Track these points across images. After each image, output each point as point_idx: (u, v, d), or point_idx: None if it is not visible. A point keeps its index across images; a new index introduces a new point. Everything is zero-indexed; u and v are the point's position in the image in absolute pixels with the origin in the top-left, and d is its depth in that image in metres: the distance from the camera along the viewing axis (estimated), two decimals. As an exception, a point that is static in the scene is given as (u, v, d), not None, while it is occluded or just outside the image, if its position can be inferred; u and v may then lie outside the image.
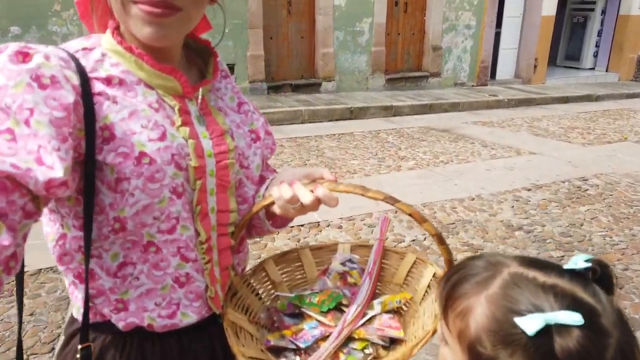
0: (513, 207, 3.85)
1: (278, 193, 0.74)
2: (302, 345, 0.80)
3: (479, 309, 0.55)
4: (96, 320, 0.76)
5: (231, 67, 7.49)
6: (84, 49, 0.71)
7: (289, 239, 3.17)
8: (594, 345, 0.49)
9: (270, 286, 0.94)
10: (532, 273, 0.55)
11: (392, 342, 0.81)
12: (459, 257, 3.00)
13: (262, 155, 0.86)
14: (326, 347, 0.79)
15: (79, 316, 0.78)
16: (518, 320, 0.50)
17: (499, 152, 5.46)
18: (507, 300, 0.53)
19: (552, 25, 10.25)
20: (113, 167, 0.66)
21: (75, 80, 0.65)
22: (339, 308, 0.89)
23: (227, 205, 0.78)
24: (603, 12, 11.48)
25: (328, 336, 0.82)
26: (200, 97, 0.76)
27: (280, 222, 0.87)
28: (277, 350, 0.80)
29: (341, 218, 3.50)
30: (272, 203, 0.75)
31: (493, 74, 10.18)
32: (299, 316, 0.88)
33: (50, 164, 0.59)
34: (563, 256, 3.04)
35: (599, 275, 0.55)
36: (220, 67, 0.84)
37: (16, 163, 0.57)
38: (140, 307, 0.75)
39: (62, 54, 0.66)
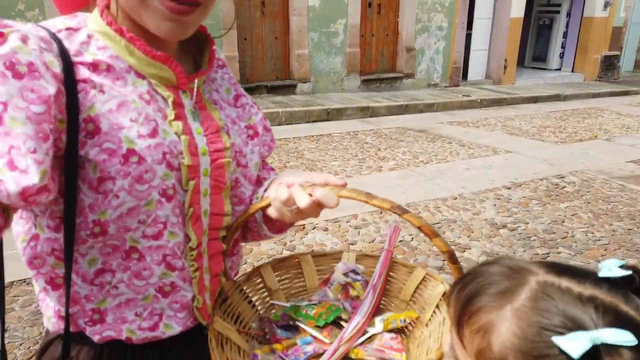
0: (495, 205, 3.88)
1: (274, 194, 0.68)
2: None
3: (504, 326, 0.47)
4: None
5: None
6: (67, 28, 0.63)
7: (275, 242, 3.08)
8: None
9: (265, 293, 0.87)
10: (564, 282, 0.47)
11: None
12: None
13: (260, 152, 0.79)
14: None
15: (50, 326, 0.71)
16: (558, 339, 0.43)
17: (476, 152, 5.52)
18: (540, 315, 0.45)
19: (521, 27, 10.50)
20: (96, 164, 0.59)
21: (57, 66, 0.56)
22: (337, 323, 0.83)
23: (221, 208, 0.72)
24: (568, 14, 11.83)
25: (321, 354, 0.76)
26: (195, 89, 0.68)
27: (277, 227, 0.80)
28: None
29: (327, 220, 3.44)
30: (269, 205, 0.69)
31: (465, 75, 10.34)
32: (293, 329, 0.82)
33: (23, 168, 0.51)
34: (548, 253, 3.07)
35: (638, 284, 0.47)
36: (216, 55, 0.76)
37: None
38: (118, 317, 0.68)
39: (43, 33, 0.57)
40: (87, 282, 0.66)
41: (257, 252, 2.94)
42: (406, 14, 8.94)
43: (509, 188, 4.30)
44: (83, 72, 0.60)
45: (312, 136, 6.08)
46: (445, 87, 9.84)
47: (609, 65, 12.21)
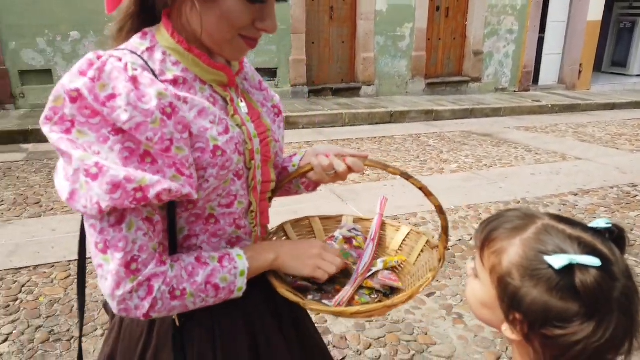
0: (560, 210, 3.81)
1: (317, 162, 0.90)
2: (325, 287, 0.94)
3: (513, 249, 0.66)
4: None
5: (274, 71, 7.67)
6: (147, 49, 0.76)
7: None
8: (606, 284, 0.61)
9: None
10: (561, 226, 0.66)
11: (392, 292, 0.97)
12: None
13: (283, 128, 0.98)
14: (347, 290, 0.93)
15: None
16: (547, 257, 0.62)
17: (543, 157, 5.40)
18: (539, 243, 0.64)
19: (598, 31, 10.01)
20: (193, 160, 0.75)
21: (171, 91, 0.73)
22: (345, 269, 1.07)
23: (269, 177, 0.90)
24: (652, 17, 11.13)
25: (345, 281, 0.98)
26: (239, 85, 0.87)
27: (311, 186, 1.04)
28: (303, 290, 0.93)
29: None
30: (310, 170, 0.92)
31: (536, 80, 10.01)
32: None
33: (188, 174, 0.71)
34: (614, 260, 3.00)
35: (616, 236, 0.66)
36: None
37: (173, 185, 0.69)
38: None
39: (141, 62, 0.73)
40: (179, 247, 0.83)
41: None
42: (475, 17, 8.83)
43: (575, 194, 4.20)
44: (170, 90, 0.72)
45: (375, 138, 6.19)
46: (514, 91, 9.59)
47: (699, 71, 11.32)
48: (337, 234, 1.08)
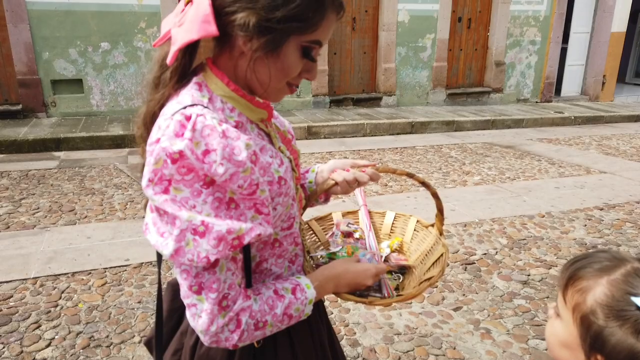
0: (585, 225, 3.80)
1: (340, 177, 1.01)
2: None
3: (599, 288, 0.66)
4: None
5: (296, 81, 7.76)
6: (209, 100, 0.81)
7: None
8: None
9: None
10: None
11: (404, 270, 1.09)
12: (532, 272, 3.02)
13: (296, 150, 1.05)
14: (384, 279, 1.04)
15: None
16: (635, 299, 0.62)
17: (567, 170, 5.37)
18: (627, 285, 0.65)
19: (623, 42, 9.91)
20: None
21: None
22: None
23: (301, 196, 1.00)
24: (679, 28, 10.97)
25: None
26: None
27: (326, 198, 1.15)
28: (350, 293, 1.01)
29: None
30: (334, 185, 1.01)
31: (558, 91, 9.94)
32: None
33: (267, 212, 0.78)
34: (642, 277, 2.99)
35: None
36: None
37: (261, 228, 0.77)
38: None
39: (234, 129, 0.78)
40: (252, 272, 0.90)
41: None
42: (497, 28, 8.83)
43: (601, 209, 4.18)
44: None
45: (396, 148, 6.23)
46: (536, 102, 9.54)
47: None
48: (336, 230, 1.18)
